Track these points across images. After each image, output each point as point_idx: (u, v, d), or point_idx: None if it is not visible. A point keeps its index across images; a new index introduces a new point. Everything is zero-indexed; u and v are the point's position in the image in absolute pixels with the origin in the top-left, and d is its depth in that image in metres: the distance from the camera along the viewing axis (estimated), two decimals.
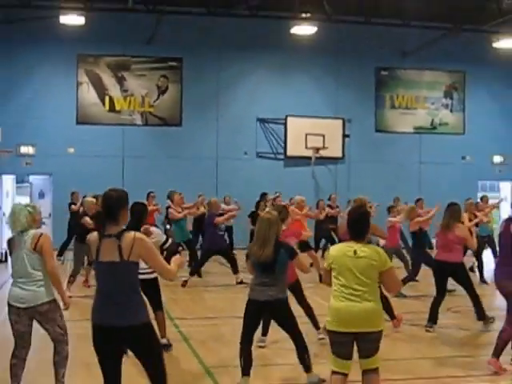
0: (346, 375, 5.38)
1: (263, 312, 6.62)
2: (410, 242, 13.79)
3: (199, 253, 14.83)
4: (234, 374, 6.77)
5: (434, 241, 13.09)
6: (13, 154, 19.62)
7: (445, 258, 9.43)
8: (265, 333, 8.12)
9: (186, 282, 13.45)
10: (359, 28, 21.14)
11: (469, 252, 13.48)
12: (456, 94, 24.71)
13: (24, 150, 21.19)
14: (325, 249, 17.18)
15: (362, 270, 5.29)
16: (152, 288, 7.71)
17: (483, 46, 21.80)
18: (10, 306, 6.10)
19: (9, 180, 21.85)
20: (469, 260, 13.84)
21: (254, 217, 16.59)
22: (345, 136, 23.29)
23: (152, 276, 7.52)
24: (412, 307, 11.15)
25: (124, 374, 4.90)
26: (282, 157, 23.05)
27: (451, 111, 24.71)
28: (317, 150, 22.65)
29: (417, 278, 13.41)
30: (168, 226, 16.08)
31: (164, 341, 7.75)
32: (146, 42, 21.43)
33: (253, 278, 6.65)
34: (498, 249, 8.35)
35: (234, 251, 16.33)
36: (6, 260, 17.20)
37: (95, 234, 4.77)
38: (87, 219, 12.09)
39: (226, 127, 22.52)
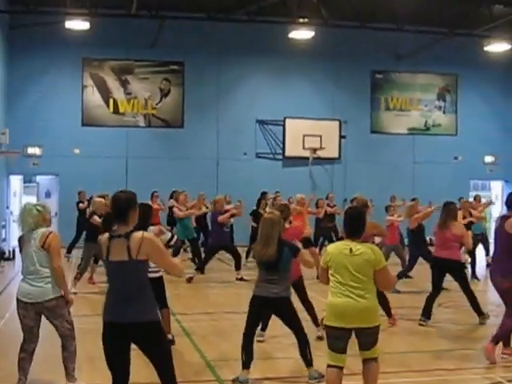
0: (341, 368, 5.41)
1: (267, 308, 6.64)
2: (407, 239, 13.82)
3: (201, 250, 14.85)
4: (234, 367, 6.77)
5: (428, 238, 13.26)
6: (20, 154, 19.59)
7: (443, 256, 9.44)
8: (264, 328, 8.12)
9: (191, 278, 13.49)
10: (355, 32, 21.12)
11: (462, 249, 13.48)
12: (449, 96, 24.70)
13: (31, 150, 21.21)
14: (322, 246, 17.16)
15: (358, 268, 5.29)
16: (157, 286, 7.71)
17: (475, 49, 21.83)
18: (18, 301, 6.12)
19: (16, 180, 21.87)
20: (461, 257, 13.83)
21: (255, 215, 16.63)
22: (341, 137, 23.30)
23: (157, 275, 7.53)
24: (407, 302, 11.15)
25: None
26: (280, 157, 23.05)
27: (444, 113, 24.71)
28: (314, 150, 22.68)
29: (412, 275, 13.44)
30: (169, 228, 16.02)
31: (169, 336, 7.77)
32: (148, 47, 21.44)
33: (258, 276, 6.67)
34: (492, 246, 8.36)
35: None
36: (13, 257, 17.20)
37: (106, 234, 4.78)
38: (96, 218, 12.06)
39: (226, 129, 22.52)
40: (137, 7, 18.34)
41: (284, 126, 22.83)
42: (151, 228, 7.72)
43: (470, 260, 14.53)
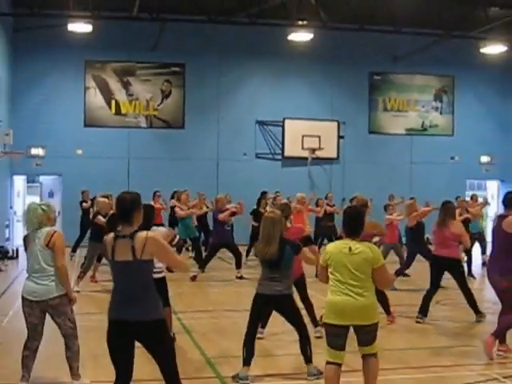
0: (339, 365, 5.42)
1: (269, 305, 6.65)
2: (405, 238, 13.84)
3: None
4: (234, 364, 6.78)
5: (426, 237, 13.27)
6: (24, 155, 19.58)
7: (443, 254, 9.45)
8: (264, 325, 8.12)
9: (195, 276, 13.54)
10: (353, 35, 21.11)
11: (459, 247, 13.49)
12: (445, 97, 24.71)
13: (34, 151, 21.20)
14: (320, 246, 17.16)
15: (357, 266, 5.30)
16: (160, 286, 7.70)
17: (471, 51, 21.83)
18: (24, 299, 6.11)
19: (20, 180, 21.87)
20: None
21: (255, 214, 16.69)
22: (339, 137, 23.30)
23: (160, 275, 7.54)
24: (405, 300, 11.15)
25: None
26: (279, 157, 23.05)
27: (441, 114, 24.71)
28: (313, 150, 22.68)
29: (409, 273, 13.44)
30: (170, 228, 16.02)
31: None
32: (150, 49, 21.44)
33: (261, 274, 6.68)
34: (489, 245, 8.38)
35: None
36: (17, 256, 17.20)
37: (111, 234, 4.78)
38: (100, 218, 12.05)
39: (227, 129, 22.52)
40: (138, 10, 18.33)
41: (283, 126, 22.83)
42: (154, 228, 7.72)
43: (466, 258, 14.53)
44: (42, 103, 21.17)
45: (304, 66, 22.63)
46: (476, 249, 15.14)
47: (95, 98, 21.92)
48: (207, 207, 16.03)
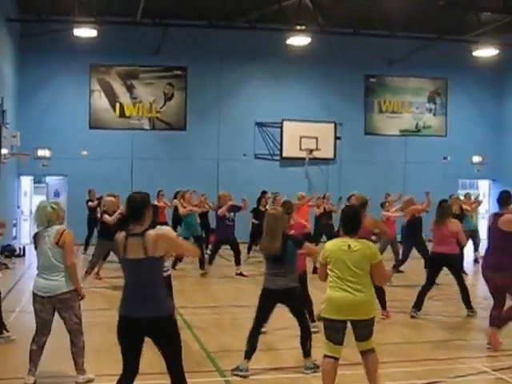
0: (337, 359, 5.44)
1: (275, 299, 6.65)
2: (400, 236, 13.86)
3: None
4: (234, 358, 6.79)
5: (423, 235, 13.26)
6: (31, 156, 19.58)
7: (441, 251, 9.46)
8: (266, 319, 8.10)
9: (205, 273, 13.69)
10: (350, 39, 21.10)
11: None
12: (439, 99, 24.70)
13: (41, 152, 21.19)
14: (318, 242, 17.15)
15: (356, 263, 5.32)
16: (167, 284, 7.74)
17: (464, 54, 21.81)
18: (34, 295, 6.11)
19: (27, 181, 21.87)
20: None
21: (255, 212, 16.77)
22: (336, 138, 23.29)
23: (165, 274, 7.55)
24: (400, 296, 11.12)
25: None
26: (278, 158, 23.04)
27: (434, 115, 24.70)
28: (310, 151, 22.66)
29: (404, 269, 13.44)
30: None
31: None
32: (153, 53, 21.43)
33: (266, 269, 6.71)
34: (483, 242, 8.41)
35: None
36: (24, 255, 17.20)
37: (122, 233, 4.78)
38: (107, 217, 12.03)
39: (227, 131, 22.52)
40: (142, 15, 18.33)
41: (282, 128, 22.81)
42: (158, 227, 7.72)
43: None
44: (49, 106, 21.15)
45: (302, 69, 22.64)
46: (469, 246, 15.15)
47: (100, 100, 21.91)
48: (209, 206, 16.01)
